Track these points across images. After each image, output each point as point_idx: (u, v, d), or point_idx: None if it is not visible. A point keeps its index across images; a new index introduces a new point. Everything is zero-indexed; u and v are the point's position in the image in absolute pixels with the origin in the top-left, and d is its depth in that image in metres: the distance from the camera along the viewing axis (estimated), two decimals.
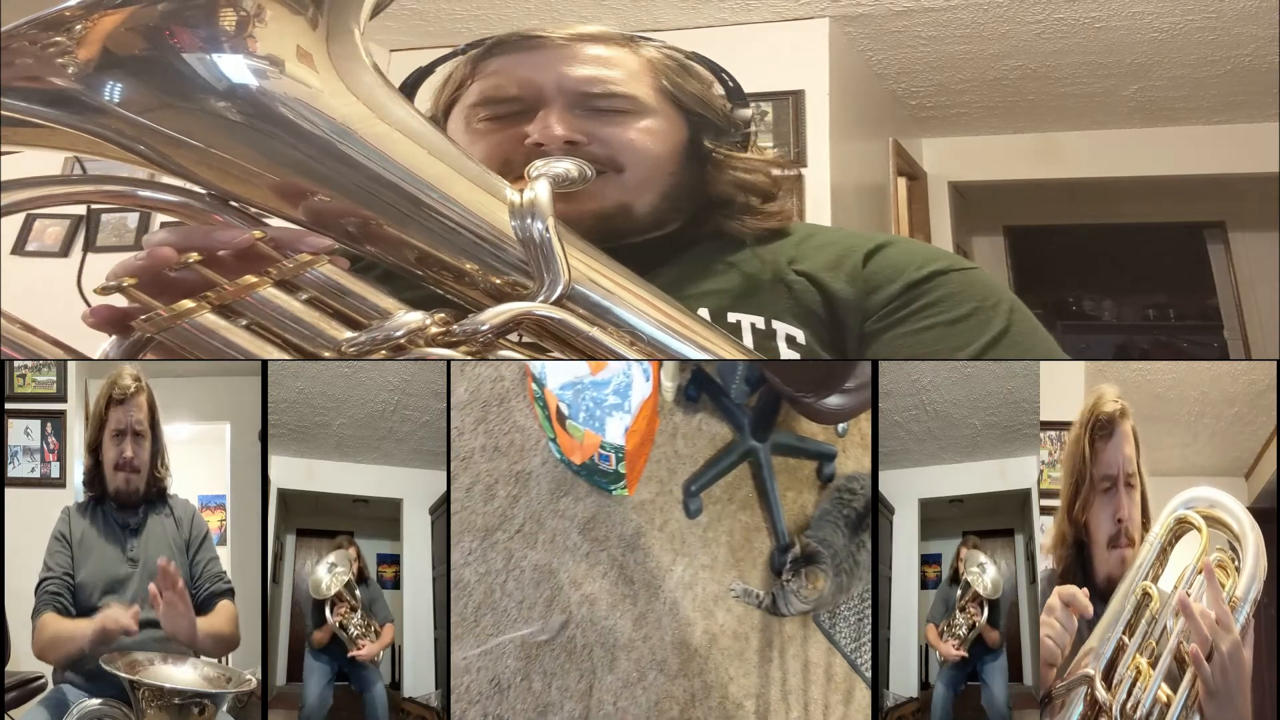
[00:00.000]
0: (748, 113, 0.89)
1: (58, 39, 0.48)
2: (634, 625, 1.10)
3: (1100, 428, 0.78)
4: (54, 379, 1.03)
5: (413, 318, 0.51)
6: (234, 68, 0.52)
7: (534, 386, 1.14)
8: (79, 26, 0.48)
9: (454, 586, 1.04)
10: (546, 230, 0.54)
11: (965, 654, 0.81)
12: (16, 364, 0.99)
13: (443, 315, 0.51)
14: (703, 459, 1.24)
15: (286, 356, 0.50)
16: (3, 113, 0.49)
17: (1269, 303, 4.93)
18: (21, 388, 1.01)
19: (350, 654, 0.85)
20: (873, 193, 3.79)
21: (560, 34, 0.83)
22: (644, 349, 0.57)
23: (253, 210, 0.59)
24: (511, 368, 1.16)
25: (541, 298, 0.53)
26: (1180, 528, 0.72)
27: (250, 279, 0.53)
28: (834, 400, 0.86)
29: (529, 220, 0.55)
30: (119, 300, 0.56)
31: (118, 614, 0.82)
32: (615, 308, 0.58)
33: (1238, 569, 0.68)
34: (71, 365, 1.00)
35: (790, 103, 3.05)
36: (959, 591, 0.83)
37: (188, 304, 0.50)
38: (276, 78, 0.53)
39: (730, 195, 0.88)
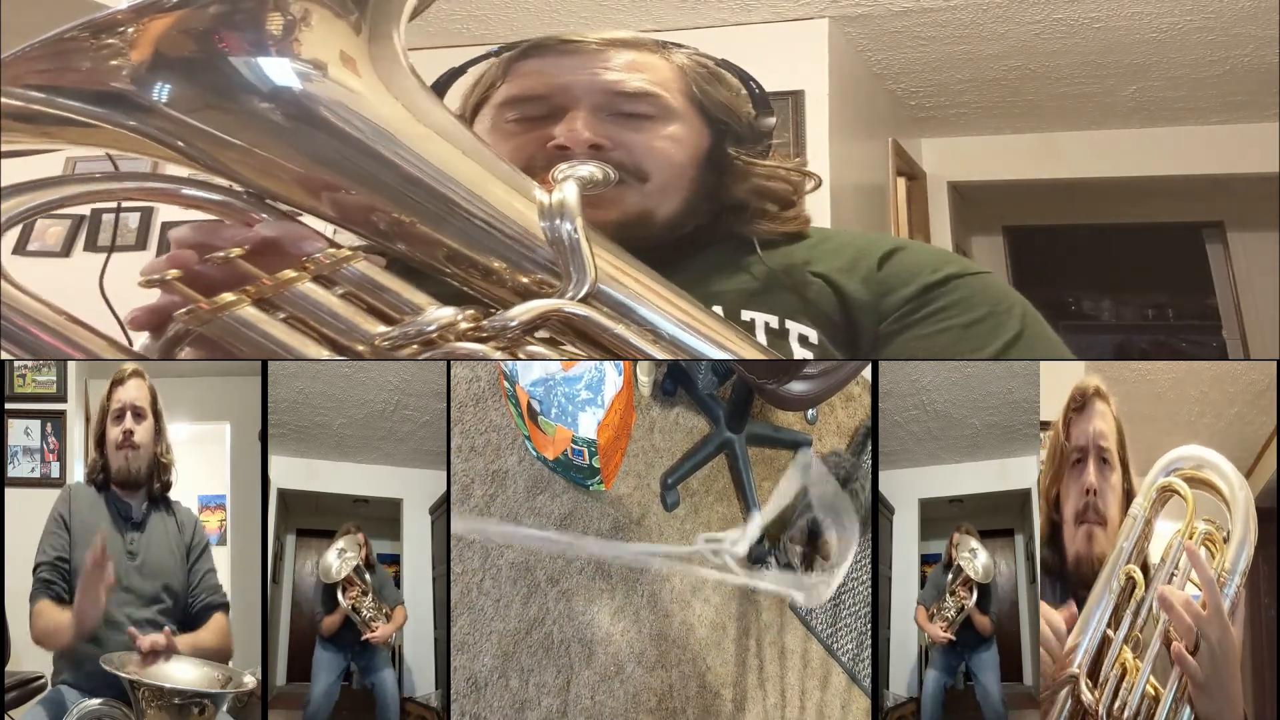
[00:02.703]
0: (771, 121, 0.89)
1: (111, 40, 0.49)
2: (611, 619, 1.11)
3: (1074, 405, 0.77)
4: (54, 379, 1.03)
5: (444, 313, 0.52)
6: (279, 71, 0.53)
7: (505, 384, 1.14)
8: (131, 29, 0.49)
9: None
10: (575, 231, 0.55)
11: (953, 637, 0.81)
12: (16, 364, 0.99)
13: (473, 311, 0.53)
14: (680, 452, 1.24)
15: (324, 351, 0.51)
16: (54, 111, 0.51)
17: (1267, 302, 4.93)
18: (21, 388, 1.01)
19: (364, 637, 0.85)
20: (872, 193, 3.80)
21: (594, 38, 0.84)
22: (666, 347, 0.58)
23: (284, 207, 0.60)
24: (487, 368, 1.16)
25: (570, 295, 0.55)
26: (1164, 497, 0.69)
27: (289, 273, 0.54)
28: (797, 386, 0.86)
29: (558, 221, 0.56)
30: (152, 298, 0.57)
31: (89, 559, 0.82)
32: (639, 307, 0.59)
33: (1225, 539, 0.65)
34: (71, 365, 1.00)
35: (790, 103, 3.05)
36: (950, 576, 0.83)
37: (228, 297, 0.51)
38: (320, 80, 0.55)
39: (749, 201, 0.89)
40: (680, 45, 0.87)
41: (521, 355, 0.52)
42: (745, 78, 0.88)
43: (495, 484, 1.14)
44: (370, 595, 0.86)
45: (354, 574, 0.86)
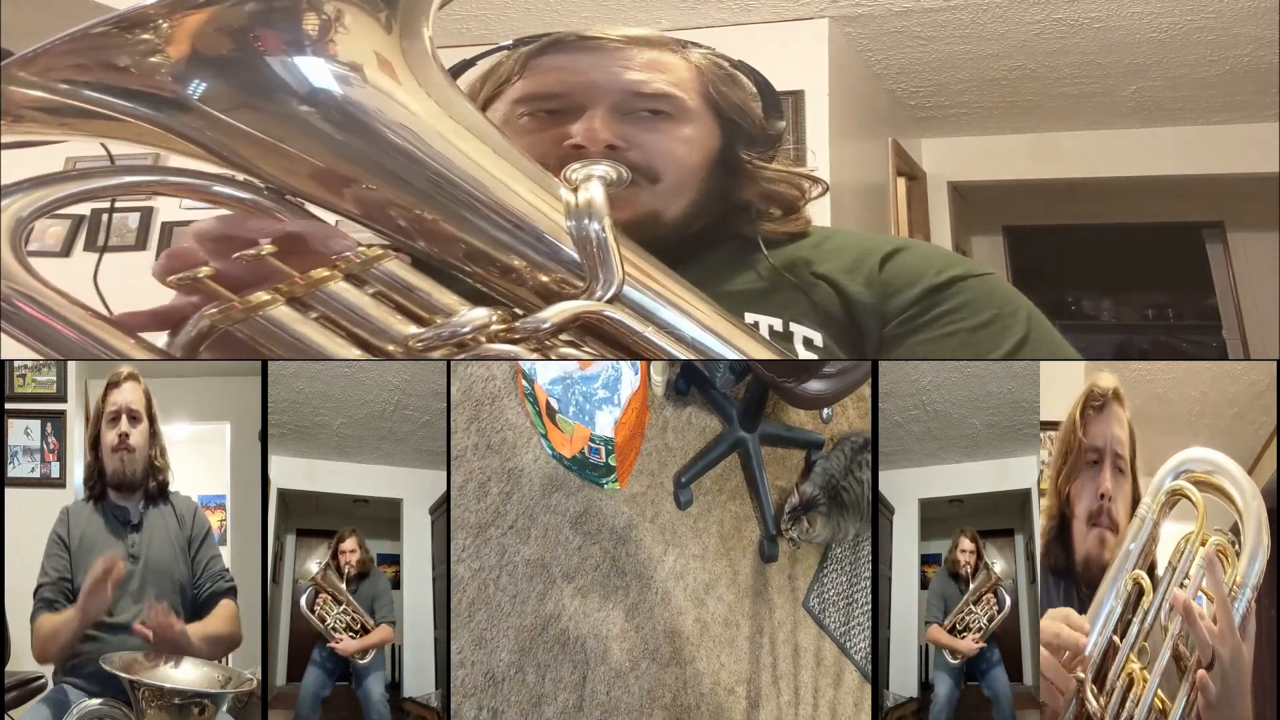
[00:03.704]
0: (782, 124, 0.89)
1: (146, 36, 0.48)
2: (626, 616, 1.11)
3: (1093, 402, 0.76)
4: (54, 379, 1.03)
5: (478, 314, 0.51)
6: (316, 72, 0.52)
7: (524, 383, 1.15)
8: (165, 24, 0.48)
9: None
10: (603, 231, 0.55)
11: (984, 645, 0.81)
12: (16, 364, 0.99)
13: (502, 312, 0.52)
14: (693, 451, 1.24)
15: (356, 352, 0.50)
16: (78, 104, 0.50)
17: (1267, 303, 4.93)
18: (21, 388, 1.01)
19: (328, 645, 0.85)
20: (872, 193, 3.80)
21: (615, 36, 0.83)
22: (686, 348, 0.58)
23: (306, 203, 0.59)
24: (503, 367, 1.16)
25: (599, 295, 0.54)
26: (1173, 500, 0.68)
27: (322, 272, 0.53)
28: (815, 385, 0.86)
29: (586, 221, 0.55)
30: (157, 300, 0.56)
31: (100, 564, 0.82)
32: (661, 308, 0.58)
33: (1237, 552, 0.64)
34: (71, 365, 1.00)
35: (790, 103, 3.05)
36: (974, 584, 0.83)
37: (262, 296, 0.50)
38: (359, 84, 0.54)
39: (754, 203, 0.88)
40: (698, 45, 0.87)
41: (553, 356, 0.51)
42: (760, 80, 0.88)
43: (511, 481, 1.14)
44: (343, 605, 0.85)
45: (323, 581, 0.85)
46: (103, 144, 0.58)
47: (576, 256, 0.56)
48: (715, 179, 0.86)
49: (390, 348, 0.50)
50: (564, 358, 0.52)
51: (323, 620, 0.85)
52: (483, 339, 0.50)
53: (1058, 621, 0.68)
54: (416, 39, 0.58)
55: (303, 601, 0.85)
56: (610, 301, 0.54)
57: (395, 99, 0.55)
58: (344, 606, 0.85)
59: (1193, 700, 0.62)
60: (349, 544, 0.87)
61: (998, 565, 0.82)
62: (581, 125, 0.79)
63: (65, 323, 0.49)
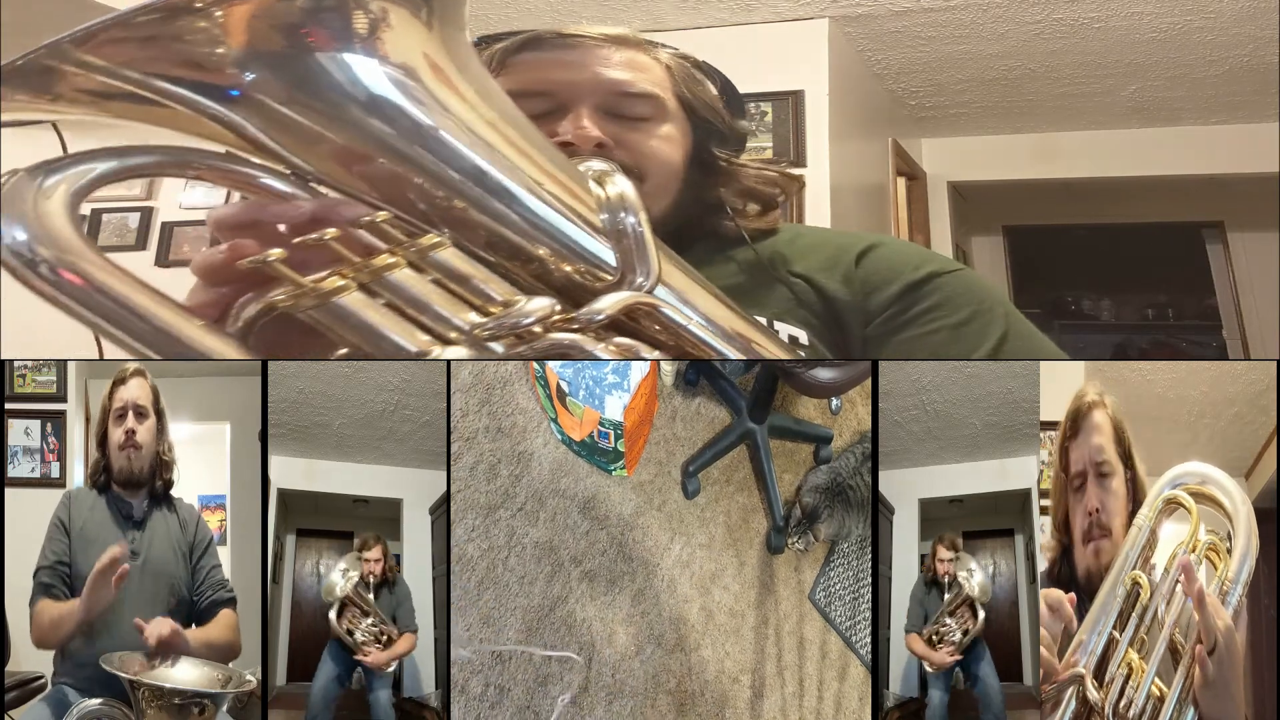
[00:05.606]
0: (746, 124, 0.90)
1: (201, 25, 0.48)
2: (632, 601, 1.11)
3: (1069, 429, 0.78)
4: (54, 379, 1.03)
5: (540, 304, 0.50)
6: (367, 70, 0.52)
7: (535, 366, 1.15)
8: (218, 13, 0.48)
9: (456, 563, 1.05)
10: (639, 223, 0.55)
11: (960, 657, 0.81)
12: (16, 364, 0.99)
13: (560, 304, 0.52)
14: (701, 441, 1.25)
15: (415, 345, 0.49)
16: (124, 87, 0.49)
17: (1267, 303, 4.93)
18: (21, 388, 1.01)
19: (355, 657, 0.85)
20: (872, 193, 3.80)
21: (594, 33, 0.83)
22: (729, 345, 0.58)
23: (323, 188, 0.58)
24: None
25: (639, 286, 0.54)
26: (1169, 509, 0.71)
27: (385, 259, 0.52)
28: (824, 373, 0.86)
29: (621, 214, 0.55)
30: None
31: (105, 557, 0.82)
32: (686, 302, 0.59)
33: (1229, 551, 0.67)
34: (71, 365, 1.00)
35: (790, 103, 3.05)
36: (949, 596, 0.83)
37: (336, 281, 0.49)
38: (415, 86, 0.53)
39: (730, 202, 0.89)
40: (664, 45, 0.87)
41: (612, 348, 0.51)
42: (723, 81, 0.88)
43: (521, 465, 1.15)
44: (371, 618, 0.85)
45: (352, 594, 0.85)
46: (54, 124, 0.56)
47: (604, 250, 0.56)
48: (694, 178, 0.87)
49: (452, 335, 0.49)
50: (623, 353, 0.52)
51: (351, 634, 0.85)
52: (541, 329, 0.50)
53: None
54: (458, 34, 0.58)
55: (331, 616, 0.85)
56: (649, 292, 0.54)
57: (444, 97, 0.55)
58: (371, 619, 0.85)
59: (1189, 683, 0.64)
60: (374, 553, 0.87)
61: (976, 576, 0.82)
62: (570, 124, 0.79)
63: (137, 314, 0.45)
